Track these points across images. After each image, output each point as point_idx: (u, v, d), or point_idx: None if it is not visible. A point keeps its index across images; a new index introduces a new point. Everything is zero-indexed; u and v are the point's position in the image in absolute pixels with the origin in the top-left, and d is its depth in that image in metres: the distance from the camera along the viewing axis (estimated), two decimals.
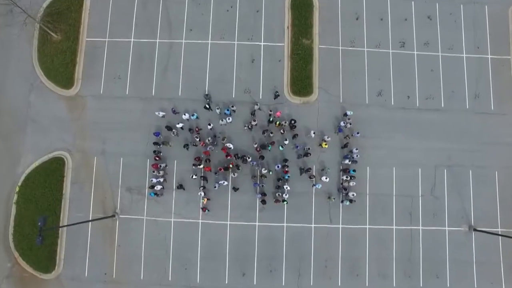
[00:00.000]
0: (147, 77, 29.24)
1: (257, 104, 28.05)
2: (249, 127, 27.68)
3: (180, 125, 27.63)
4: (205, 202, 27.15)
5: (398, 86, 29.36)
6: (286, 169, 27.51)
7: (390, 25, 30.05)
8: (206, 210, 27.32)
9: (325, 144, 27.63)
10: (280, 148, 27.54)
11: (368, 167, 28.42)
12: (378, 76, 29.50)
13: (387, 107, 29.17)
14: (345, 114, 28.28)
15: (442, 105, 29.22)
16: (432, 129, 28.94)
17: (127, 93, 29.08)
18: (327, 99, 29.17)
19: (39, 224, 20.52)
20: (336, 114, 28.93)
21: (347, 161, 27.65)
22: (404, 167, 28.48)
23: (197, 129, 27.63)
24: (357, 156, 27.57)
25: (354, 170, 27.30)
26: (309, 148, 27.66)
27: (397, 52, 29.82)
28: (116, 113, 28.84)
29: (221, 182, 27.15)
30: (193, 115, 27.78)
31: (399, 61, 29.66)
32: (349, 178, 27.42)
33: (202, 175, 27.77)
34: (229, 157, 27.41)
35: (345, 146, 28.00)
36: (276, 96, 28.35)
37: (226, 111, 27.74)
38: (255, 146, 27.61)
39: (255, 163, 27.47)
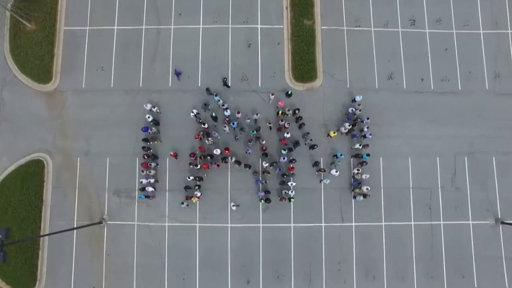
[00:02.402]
0: (133, 67, 26.53)
1: (257, 114, 25.18)
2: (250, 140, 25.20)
3: (150, 118, 24.99)
4: (195, 201, 24.41)
5: (410, 68, 26.81)
6: (292, 165, 24.73)
7: (398, 2, 27.47)
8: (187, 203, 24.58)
9: (334, 133, 24.90)
10: (283, 151, 24.78)
11: (381, 158, 25.78)
12: (388, 57, 26.92)
13: (399, 91, 26.56)
14: (354, 100, 25.64)
15: (459, 87, 26.65)
16: (449, 113, 26.35)
17: (111, 86, 26.36)
18: (333, 84, 26.51)
19: None
20: (344, 100, 26.27)
21: (357, 145, 24.91)
22: (420, 156, 25.89)
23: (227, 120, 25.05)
24: (370, 135, 24.87)
25: (368, 155, 24.54)
26: (311, 140, 25.07)
27: (407, 31, 27.23)
28: (100, 109, 26.08)
29: (232, 205, 24.72)
30: (219, 100, 25.07)
31: (409, 41, 27.09)
32: (360, 169, 24.64)
33: (198, 175, 25.01)
34: (227, 152, 24.63)
35: (353, 125, 25.25)
36: (225, 84, 25.47)
37: (232, 125, 24.91)
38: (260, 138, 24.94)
39: (250, 150, 24.76)
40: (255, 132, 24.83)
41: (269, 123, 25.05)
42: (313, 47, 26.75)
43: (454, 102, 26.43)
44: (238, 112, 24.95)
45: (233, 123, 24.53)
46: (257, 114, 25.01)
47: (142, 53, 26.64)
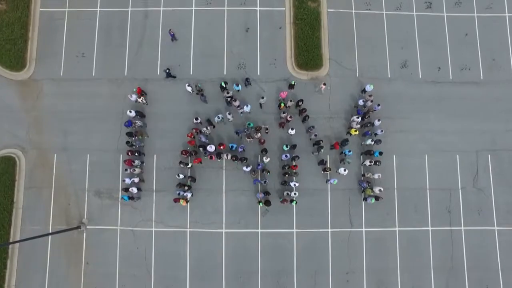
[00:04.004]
0: (117, 54, 23.85)
1: (262, 98, 22.52)
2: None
3: (132, 113, 22.08)
4: (184, 204, 21.64)
5: (426, 55, 24.14)
6: (295, 163, 21.98)
7: None
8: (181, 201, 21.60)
9: (355, 131, 22.17)
10: (285, 148, 22.06)
11: (394, 156, 23.08)
12: (401, 44, 24.25)
13: (414, 81, 23.89)
14: (364, 90, 22.89)
15: (481, 77, 23.96)
16: (470, 106, 23.67)
17: (93, 74, 23.68)
18: (341, 73, 23.81)
19: None
20: (352, 91, 23.58)
21: (369, 141, 22.14)
22: (438, 154, 23.19)
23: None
24: (381, 131, 22.16)
25: (380, 153, 21.85)
26: (316, 135, 22.32)
27: (422, 14, 24.55)
28: (80, 100, 23.37)
29: (245, 168, 21.82)
30: (237, 85, 22.44)
31: (425, 25, 24.42)
32: (372, 163, 21.84)
33: (189, 175, 22.47)
34: (222, 147, 21.86)
35: (364, 117, 22.48)
36: (168, 75, 22.82)
37: (231, 148, 22.17)
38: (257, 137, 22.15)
39: (244, 147, 22.13)
40: (251, 124, 22.08)
41: (266, 129, 22.33)
42: (318, 31, 24.04)
43: (475, 93, 23.73)
44: (235, 100, 22.21)
45: (232, 147, 21.91)
46: (262, 98, 22.33)
47: (127, 38, 23.97)
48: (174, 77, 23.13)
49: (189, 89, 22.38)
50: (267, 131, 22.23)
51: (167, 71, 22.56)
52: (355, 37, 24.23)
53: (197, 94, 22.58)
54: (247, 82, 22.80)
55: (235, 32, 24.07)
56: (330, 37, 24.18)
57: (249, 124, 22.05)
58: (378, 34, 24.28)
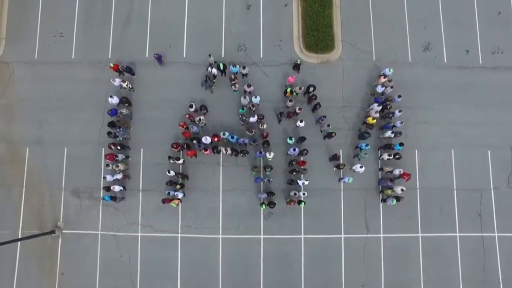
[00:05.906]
0: (101, 33, 21.09)
1: (244, 68, 19.55)
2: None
3: (115, 99, 19.35)
4: (174, 205, 18.88)
5: (452, 36, 21.38)
6: (303, 158, 19.26)
7: None
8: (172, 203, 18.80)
9: (373, 119, 19.28)
10: (289, 141, 19.24)
11: (416, 151, 20.33)
12: (424, 23, 21.49)
13: (438, 66, 21.13)
14: (383, 75, 19.93)
15: None
16: (503, 94, 20.91)
17: (73, 56, 20.91)
18: (355, 56, 21.01)
19: None
20: (368, 77, 20.80)
21: (388, 133, 19.28)
22: (466, 149, 20.45)
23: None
24: (400, 123, 19.31)
25: (401, 144, 19.03)
26: (329, 125, 19.50)
27: None
28: (57, 85, 20.61)
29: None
30: (234, 66, 19.69)
31: (452, 2, 21.63)
32: (391, 157, 18.86)
33: (181, 171, 19.78)
34: (216, 139, 19.00)
35: (383, 108, 19.63)
36: (130, 71, 20.02)
37: (231, 138, 19.09)
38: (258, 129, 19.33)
39: (246, 141, 19.24)
40: (244, 110, 19.19)
41: (253, 108, 19.35)
42: (329, 9, 21.20)
43: (509, 80, 20.98)
44: (250, 86, 19.54)
45: (232, 137, 18.95)
46: (244, 68, 19.52)
47: (112, 15, 21.18)
48: (133, 74, 20.28)
49: (214, 71, 19.53)
50: (253, 108, 19.33)
51: (126, 67, 19.88)
52: (371, 15, 21.45)
53: (210, 78, 19.80)
54: (280, 116, 19.73)
55: (234, 9, 21.27)
56: (343, 15, 21.37)
57: (242, 109, 19.15)
58: (398, 12, 21.50)
